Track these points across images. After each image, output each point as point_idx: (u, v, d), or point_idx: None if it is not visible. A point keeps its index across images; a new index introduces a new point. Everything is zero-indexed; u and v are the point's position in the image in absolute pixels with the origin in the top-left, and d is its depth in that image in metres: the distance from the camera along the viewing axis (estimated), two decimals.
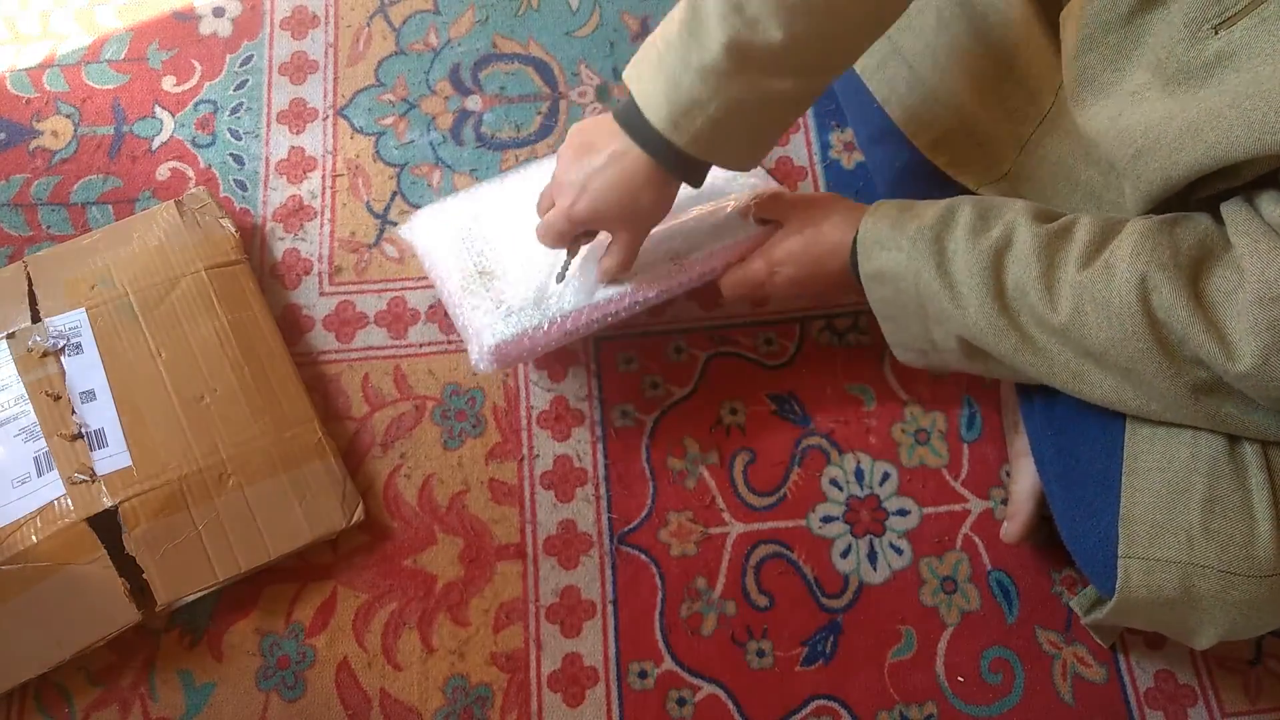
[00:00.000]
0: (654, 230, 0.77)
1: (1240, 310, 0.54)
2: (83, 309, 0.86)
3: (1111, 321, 0.58)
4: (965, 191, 0.79)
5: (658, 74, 0.66)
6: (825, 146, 1.02)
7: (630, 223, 0.72)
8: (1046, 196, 0.74)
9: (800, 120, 1.03)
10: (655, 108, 0.66)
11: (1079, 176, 0.72)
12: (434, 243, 0.86)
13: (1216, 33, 0.52)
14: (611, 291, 0.80)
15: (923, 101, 0.78)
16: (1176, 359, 0.58)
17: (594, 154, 0.69)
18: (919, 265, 0.67)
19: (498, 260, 0.83)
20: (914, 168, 0.81)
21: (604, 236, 0.78)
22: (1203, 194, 0.58)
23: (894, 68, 0.79)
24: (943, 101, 0.77)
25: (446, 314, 0.92)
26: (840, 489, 0.89)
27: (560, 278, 0.80)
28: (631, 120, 0.68)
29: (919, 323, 0.71)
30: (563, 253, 0.79)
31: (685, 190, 0.74)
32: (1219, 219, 0.58)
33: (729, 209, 0.83)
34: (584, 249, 0.80)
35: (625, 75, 0.69)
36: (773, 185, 0.85)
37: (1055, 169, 0.73)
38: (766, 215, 0.79)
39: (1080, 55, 0.62)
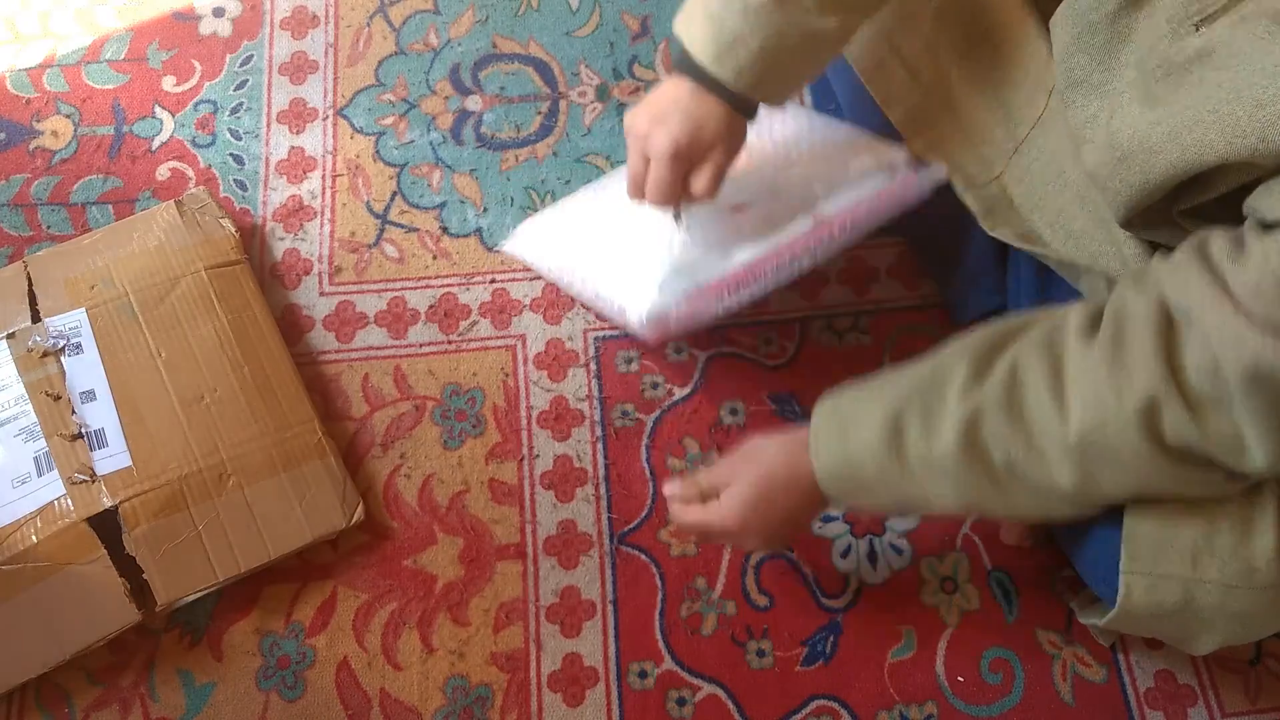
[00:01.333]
0: (780, 180, 0.80)
1: (1231, 398, 0.50)
2: (83, 309, 0.86)
3: (1127, 469, 0.56)
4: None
5: (704, 17, 0.69)
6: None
7: (711, 147, 0.73)
8: (1038, 197, 0.74)
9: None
10: (701, 46, 0.69)
11: (1070, 177, 0.72)
12: (545, 249, 0.88)
13: (1198, 30, 0.51)
14: (751, 252, 0.79)
15: (921, 102, 0.78)
16: (1204, 469, 0.56)
17: (660, 105, 0.72)
18: (901, 495, 0.65)
19: (619, 243, 0.83)
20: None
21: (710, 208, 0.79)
22: (1182, 206, 0.57)
23: (893, 69, 0.79)
24: (940, 102, 0.77)
25: (502, 309, 0.95)
26: None
27: (680, 241, 0.80)
28: (683, 64, 0.71)
29: (931, 513, 0.72)
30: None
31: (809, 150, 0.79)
32: (1204, 227, 0.55)
33: (860, 161, 0.82)
34: (698, 214, 0.79)
35: (675, 27, 0.72)
36: (892, 147, 0.83)
37: (1047, 169, 0.73)
38: (709, 489, 0.74)
39: (1068, 56, 0.62)
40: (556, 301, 0.95)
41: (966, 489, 0.61)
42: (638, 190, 0.75)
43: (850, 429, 0.65)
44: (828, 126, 0.86)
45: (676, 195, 0.73)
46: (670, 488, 0.75)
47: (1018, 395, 0.58)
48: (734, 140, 0.74)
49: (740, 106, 0.72)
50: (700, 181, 0.73)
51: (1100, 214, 0.70)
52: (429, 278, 0.96)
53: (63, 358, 0.84)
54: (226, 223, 0.93)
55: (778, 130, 0.85)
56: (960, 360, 0.62)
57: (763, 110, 0.75)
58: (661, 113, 0.72)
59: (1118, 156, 0.58)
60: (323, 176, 1.00)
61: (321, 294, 0.95)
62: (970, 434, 0.59)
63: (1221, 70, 0.50)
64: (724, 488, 0.71)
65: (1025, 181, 0.75)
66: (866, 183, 0.81)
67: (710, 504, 0.72)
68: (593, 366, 0.93)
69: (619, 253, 0.83)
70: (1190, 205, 0.57)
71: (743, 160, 0.78)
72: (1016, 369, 0.59)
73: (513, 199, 0.99)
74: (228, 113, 1.02)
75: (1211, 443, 0.53)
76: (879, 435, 0.63)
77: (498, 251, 0.97)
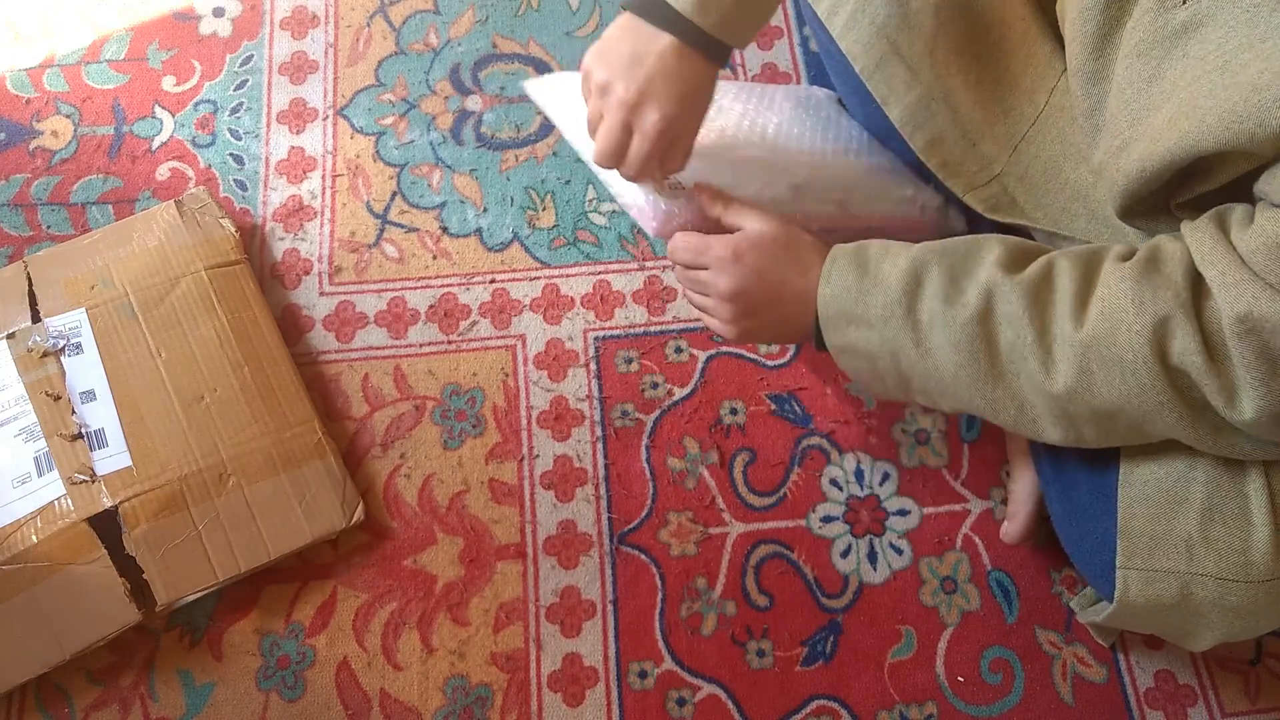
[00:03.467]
0: (812, 177, 0.78)
1: (1230, 345, 0.52)
2: (83, 309, 0.86)
3: (1126, 378, 0.56)
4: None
5: None
6: (805, 40, 1.08)
7: (690, 119, 0.69)
8: (1036, 196, 0.74)
9: (782, 27, 1.10)
10: None
11: (1068, 175, 0.72)
12: (563, 106, 0.81)
13: (1184, 2, 0.51)
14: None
15: (919, 100, 0.78)
16: (1193, 406, 0.55)
17: (635, 57, 0.66)
18: (896, 344, 0.63)
19: None
20: (919, 164, 0.82)
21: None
22: (1181, 198, 0.57)
23: (892, 67, 0.79)
24: (939, 100, 0.77)
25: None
26: (840, 489, 0.89)
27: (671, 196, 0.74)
28: (651, 10, 0.65)
29: (901, 389, 0.67)
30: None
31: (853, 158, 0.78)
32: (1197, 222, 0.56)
33: (898, 192, 0.81)
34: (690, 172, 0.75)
35: None
36: (929, 190, 0.83)
37: (1046, 168, 0.73)
38: (739, 220, 0.73)
39: (1069, 44, 0.62)
40: (556, 301, 0.95)
41: (962, 363, 0.61)
42: (613, 159, 0.68)
43: (870, 266, 0.64)
44: (876, 150, 0.86)
45: (655, 167, 0.69)
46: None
47: (1046, 289, 0.58)
48: (708, 104, 0.70)
49: (718, 59, 0.67)
50: (675, 157, 0.69)
51: (1101, 211, 0.70)
52: (429, 278, 0.96)
53: (63, 358, 0.84)
54: (226, 223, 0.93)
55: (829, 137, 0.85)
56: (999, 245, 0.61)
57: (818, 117, 0.73)
58: (647, 82, 0.65)
59: (1118, 145, 0.58)
60: (323, 176, 1.00)
61: (321, 294, 0.95)
62: (988, 306, 0.59)
63: (1208, 44, 0.50)
64: (724, 264, 0.69)
65: (1026, 180, 0.75)
66: (896, 208, 0.82)
67: (713, 269, 0.70)
68: (593, 366, 0.93)
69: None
70: (1188, 197, 0.57)
71: (770, 155, 0.78)
72: (1052, 269, 0.59)
73: (513, 199, 0.99)
74: (228, 113, 1.02)
75: (1210, 383, 0.53)
76: (899, 279, 0.62)
77: (498, 251, 0.97)
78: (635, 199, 0.75)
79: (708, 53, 0.66)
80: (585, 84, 0.69)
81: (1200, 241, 0.53)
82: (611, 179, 0.75)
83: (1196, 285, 0.54)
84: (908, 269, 0.62)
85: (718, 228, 0.73)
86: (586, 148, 0.75)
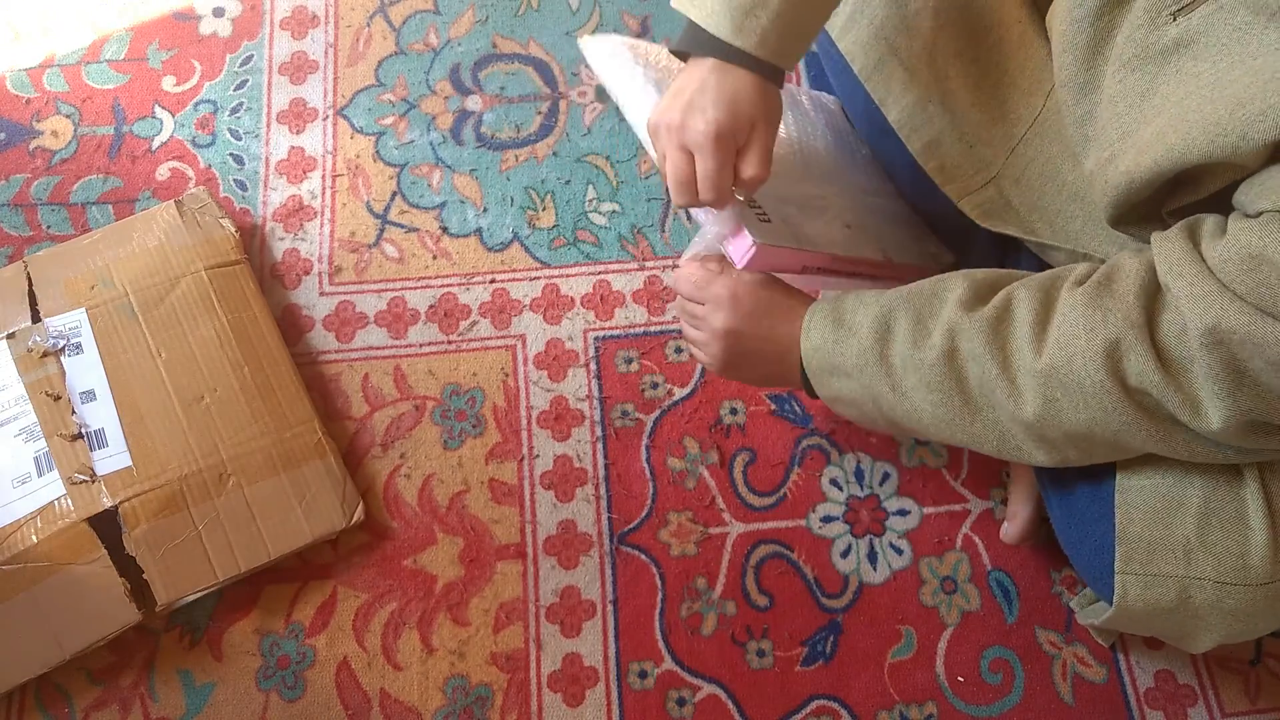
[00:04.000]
0: (860, 208, 0.78)
1: (1193, 359, 0.52)
2: (83, 309, 0.86)
3: (1089, 402, 0.57)
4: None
5: None
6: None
7: (752, 124, 0.68)
8: (1033, 199, 0.74)
9: None
10: (716, 19, 0.65)
11: (1065, 178, 0.72)
12: (621, 70, 0.78)
13: (1175, 19, 0.51)
14: (833, 246, 0.75)
15: (917, 102, 0.78)
16: (1161, 421, 0.56)
17: (685, 93, 0.67)
18: (874, 389, 0.65)
19: None
20: (917, 167, 0.82)
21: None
22: (1171, 207, 0.57)
23: (891, 69, 0.79)
24: (937, 102, 0.77)
25: None
26: (840, 489, 0.89)
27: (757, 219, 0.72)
28: (696, 43, 0.66)
29: (893, 428, 0.70)
30: None
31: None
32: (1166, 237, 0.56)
33: (919, 243, 0.83)
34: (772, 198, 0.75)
35: (674, 4, 0.67)
36: (941, 248, 0.85)
37: (1043, 170, 0.73)
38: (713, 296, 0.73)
39: (1059, 55, 0.62)
40: (556, 301, 0.95)
41: (938, 402, 0.63)
42: (687, 192, 0.68)
43: (845, 317, 0.67)
44: (894, 195, 0.88)
45: (729, 183, 0.67)
46: (688, 258, 0.74)
47: (1005, 323, 0.60)
48: (772, 112, 0.69)
49: (769, 75, 0.67)
50: (750, 164, 0.67)
51: (1098, 214, 0.70)
52: (429, 278, 0.96)
53: (63, 358, 0.84)
54: (226, 223, 0.93)
55: (862, 177, 0.86)
56: (962, 282, 0.63)
57: (841, 135, 0.73)
58: (689, 101, 0.66)
59: (1107, 156, 0.58)
60: (323, 176, 1.00)
61: (321, 294, 0.95)
62: (952, 345, 0.61)
63: (1200, 61, 0.50)
64: (721, 302, 0.71)
65: (1022, 183, 0.75)
66: (925, 260, 0.83)
67: (709, 306, 0.72)
68: (593, 366, 0.93)
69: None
70: (1178, 206, 0.57)
71: (826, 186, 0.78)
72: (1011, 302, 0.61)
73: (513, 199, 0.99)
74: (228, 113, 1.02)
75: (1172, 398, 0.54)
76: (869, 327, 0.65)
77: (498, 251, 0.97)
78: (716, 228, 0.72)
79: (753, 68, 0.66)
80: (653, 140, 0.69)
81: (1169, 253, 0.53)
82: (701, 217, 0.73)
83: (1150, 301, 0.54)
84: (877, 316, 0.65)
85: (789, 266, 0.74)
86: (639, 119, 0.74)
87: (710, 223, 0.72)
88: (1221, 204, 0.54)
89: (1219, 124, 0.48)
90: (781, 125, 0.83)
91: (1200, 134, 0.49)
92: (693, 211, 0.72)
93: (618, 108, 0.80)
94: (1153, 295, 0.54)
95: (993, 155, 0.76)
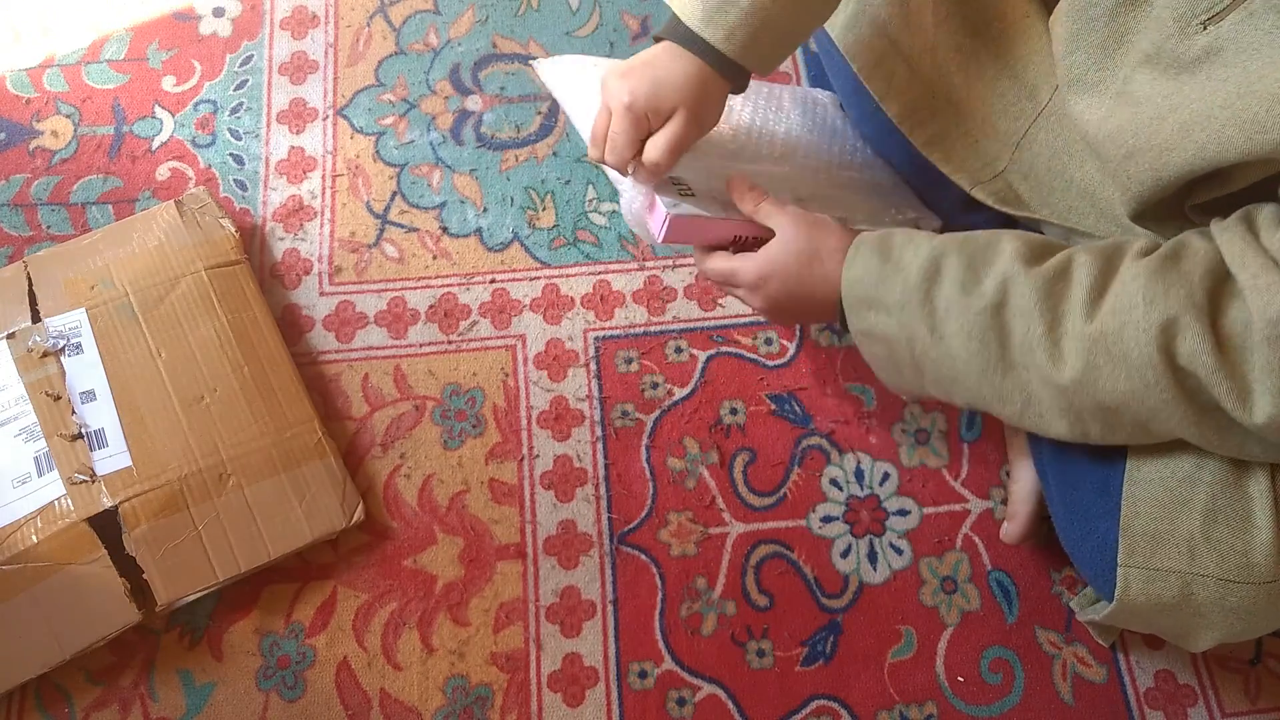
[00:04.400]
0: (810, 190, 0.78)
1: (1253, 349, 0.51)
2: (83, 309, 0.86)
3: (1131, 375, 0.55)
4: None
5: None
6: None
7: (672, 109, 0.70)
8: (1041, 194, 0.74)
9: None
10: (690, 10, 0.68)
11: (1073, 174, 0.72)
12: (575, 87, 0.81)
13: (1205, 28, 0.51)
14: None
15: (919, 98, 0.78)
16: (1199, 406, 0.55)
17: (632, 62, 0.71)
18: (911, 329, 0.64)
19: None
20: (920, 161, 0.81)
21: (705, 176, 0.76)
22: (1198, 200, 0.57)
23: (892, 64, 0.79)
24: (940, 97, 0.77)
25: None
26: (840, 489, 0.89)
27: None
28: (670, 30, 0.70)
29: (916, 378, 0.68)
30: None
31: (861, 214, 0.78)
32: (1215, 229, 0.56)
33: (899, 215, 0.82)
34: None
35: None
36: (929, 214, 0.83)
37: (1051, 165, 0.73)
38: (767, 222, 0.75)
39: (1068, 54, 0.61)
40: (556, 301, 0.95)
41: (975, 351, 0.61)
42: (596, 147, 0.72)
43: (894, 253, 0.66)
44: (879, 167, 0.86)
45: (629, 155, 0.70)
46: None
47: (1062, 282, 0.59)
48: (701, 106, 0.70)
49: (726, 72, 0.70)
50: (653, 148, 0.69)
51: (1110, 210, 0.69)
52: (429, 278, 0.96)
53: (63, 358, 0.84)
54: (226, 223, 0.93)
55: (834, 150, 0.85)
56: (1016, 239, 0.62)
57: (824, 126, 0.73)
58: (630, 67, 0.70)
59: (1123, 153, 0.58)
60: (323, 176, 1.00)
61: (321, 294, 0.95)
62: (1003, 297, 0.60)
63: (1230, 67, 0.50)
64: (754, 288, 0.73)
65: (1030, 177, 0.75)
66: (889, 222, 0.82)
67: (741, 256, 0.73)
68: (593, 366, 0.93)
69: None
70: (1202, 200, 0.57)
71: (776, 167, 0.77)
72: (1071, 264, 0.59)
73: (513, 199, 0.99)
74: (228, 113, 1.02)
75: (1221, 384, 0.53)
76: (918, 266, 0.63)
77: (498, 251, 0.97)
78: (638, 201, 0.75)
79: (710, 61, 0.69)
80: (603, 91, 0.71)
81: (1230, 242, 0.53)
82: (620, 183, 0.75)
83: (1217, 286, 0.53)
84: (928, 256, 0.63)
85: (718, 238, 0.75)
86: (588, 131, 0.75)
87: (629, 194, 0.73)
88: (1249, 198, 0.54)
89: (1257, 121, 0.48)
90: (737, 111, 0.83)
91: (1236, 132, 0.49)
92: (615, 182, 0.75)
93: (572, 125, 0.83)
94: (1221, 279, 0.53)
95: (998, 150, 0.76)
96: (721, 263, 0.74)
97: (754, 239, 0.75)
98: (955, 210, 0.82)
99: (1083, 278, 0.58)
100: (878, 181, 0.86)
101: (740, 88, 0.73)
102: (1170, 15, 0.53)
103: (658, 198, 0.72)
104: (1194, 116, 0.52)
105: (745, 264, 0.72)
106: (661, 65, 0.69)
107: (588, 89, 0.79)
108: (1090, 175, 0.72)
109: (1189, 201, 0.58)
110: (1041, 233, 0.76)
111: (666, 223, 0.72)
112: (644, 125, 0.70)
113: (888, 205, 0.84)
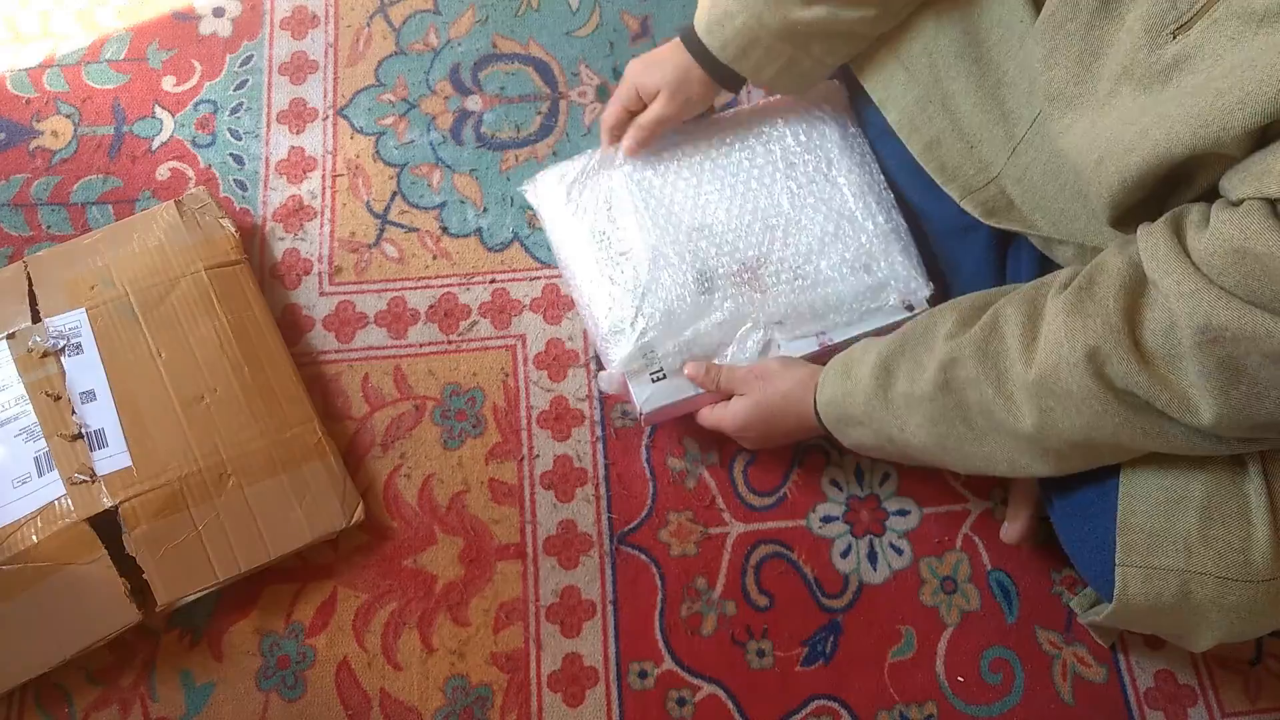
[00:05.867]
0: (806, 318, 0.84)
1: (1183, 356, 0.53)
2: (83, 309, 0.86)
3: (1080, 408, 0.58)
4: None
5: None
6: None
7: (657, 89, 0.84)
8: (1035, 199, 0.74)
9: None
10: (700, 17, 0.81)
11: (1067, 178, 0.72)
12: (557, 213, 0.90)
13: (1174, 37, 0.52)
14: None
15: (917, 102, 0.78)
16: (1154, 418, 0.57)
17: (647, 54, 0.86)
18: (887, 432, 0.70)
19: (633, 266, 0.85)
20: (917, 168, 0.81)
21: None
22: (1171, 205, 0.58)
23: (891, 70, 0.79)
24: (937, 103, 0.78)
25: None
26: (840, 489, 0.89)
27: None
28: (682, 30, 0.83)
29: (917, 459, 0.73)
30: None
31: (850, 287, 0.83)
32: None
33: (888, 300, 0.84)
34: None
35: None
36: (919, 280, 0.84)
37: (1045, 170, 0.73)
38: (731, 390, 0.81)
39: (1047, 69, 0.62)
40: (556, 301, 0.95)
41: (941, 429, 0.66)
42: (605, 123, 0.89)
43: (852, 369, 0.72)
44: (886, 217, 0.86)
45: (614, 122, 0.87)
46: (692, 369, 0.82)
47: (994, 341, 0.62)
48: (680, 93, 0.83)
49: (719, 74, 0.82)
50: (632, 129, 0.86)
51: (1100, 214, 0.70)
52: (429, 278, 0.96)
53: (63, 358, 0.84)
54: (226, 223, 0.93)
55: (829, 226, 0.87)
56: (951, 313, 0.67)
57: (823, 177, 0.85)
58: (641, 57, 0.85)
59: (1095, 159, 0.59)
60: (323, 176, 1.00)
61: (321, 294, 0.95)
62: (948, 375, 0.64)
63: (1197, 74, 0.51)
64: (737, 394, 0.81)
65: (1024, 182, 0.75)
66: (880, 314, 0.84)
67: (721, 407, 0.82)
68: (593, 366, 0.93)
69: (608, 296, 0.85)
70: (1177, 204, 0.57)
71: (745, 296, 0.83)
72: (998, 319, 0.63)
73: (513, 199, 0.99)
74: (228, 113, 1.02)
75: (1160, 396, 0.54)
76: (871, 374, 0.70)
77: (498, 251, 0.97)
78: (617, 388, 0.83)
79: (703, 63, 0.81)
80: (621, 84, 0.87)
81: (1155, 247, 0.54)
82: (603, 379, 0.83)
83: (1132, 302, 0.55)
84: (876, 364, 0.70)
85: (695, 408, 0.84)
86: (569, 253, 0.87)
87: (607, 386, 0.83)
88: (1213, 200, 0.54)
89: (1200, 115, 0.49)
90: (740, 195, 0.88)
91: (1183, 126, 0.50)
92: (602, 357, 0.85)
93: (549, 241, 0.91)
94: (1135, 294, 0.55)
95: (994, 155, 0.76)
96: (708, 417, 0.83)
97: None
98: (953, 234, 0.82)
99: (1013, 328, 0.61)
100: (858, 259, 0.84)
101: (734, 87, 0.84)
102: (1141, 26, 0.54)
103: (632, 390, 0.82)
104: (1154, 118, 0.53)
105: (725, 419, 0.81)
106: (663, 53, 0.84)
107: (561, 210, 0.88)
108: (1081, 179, 0.72)
109: (1165, 208, 0.58)
110: (1024, 248, 0.76)
111: (643, 417, 0.83)
112: (634, 102, 0.86)
113: (869, 294, 0.83)
